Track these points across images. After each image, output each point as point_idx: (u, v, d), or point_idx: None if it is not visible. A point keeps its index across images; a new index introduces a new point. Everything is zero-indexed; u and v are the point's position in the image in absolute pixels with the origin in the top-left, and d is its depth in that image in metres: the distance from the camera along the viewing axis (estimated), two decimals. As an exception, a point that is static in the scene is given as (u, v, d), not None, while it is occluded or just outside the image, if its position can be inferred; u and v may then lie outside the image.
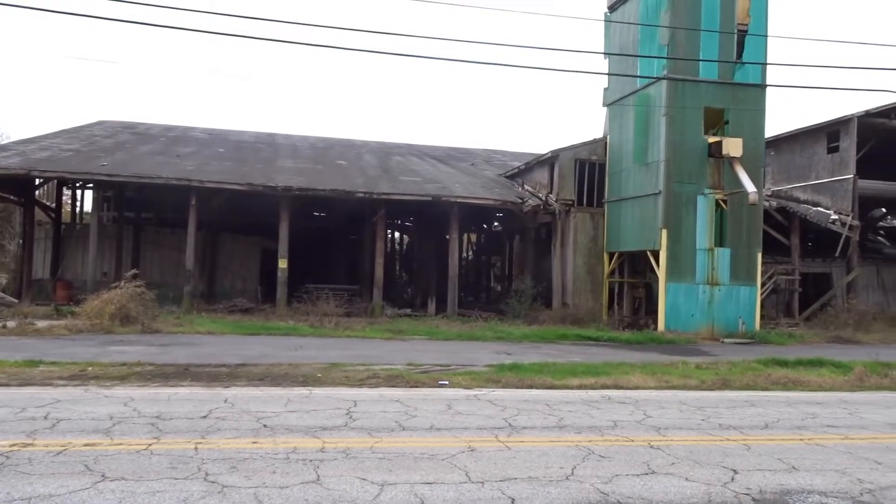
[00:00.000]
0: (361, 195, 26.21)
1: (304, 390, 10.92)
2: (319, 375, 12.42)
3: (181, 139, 34.78)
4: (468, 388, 11.73)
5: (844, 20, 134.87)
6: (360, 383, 11.96)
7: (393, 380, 12.35)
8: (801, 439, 8.48)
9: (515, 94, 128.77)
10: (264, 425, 8.19)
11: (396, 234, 49.09)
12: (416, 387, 11.82)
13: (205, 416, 8.58)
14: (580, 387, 12.28)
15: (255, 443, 7.33)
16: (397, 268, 47.50)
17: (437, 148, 40.86)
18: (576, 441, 7.93)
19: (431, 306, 29.43)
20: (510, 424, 8.77)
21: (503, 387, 12.11)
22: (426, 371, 13.95)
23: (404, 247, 49.20)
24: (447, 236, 28.96)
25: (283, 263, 25.76)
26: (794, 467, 7.13)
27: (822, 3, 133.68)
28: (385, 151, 36.81)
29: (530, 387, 12.19)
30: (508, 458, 7.08)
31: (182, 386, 10.98)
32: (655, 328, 24.14)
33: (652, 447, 7.78)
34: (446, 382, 12.35)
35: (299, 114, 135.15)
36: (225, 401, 9.71)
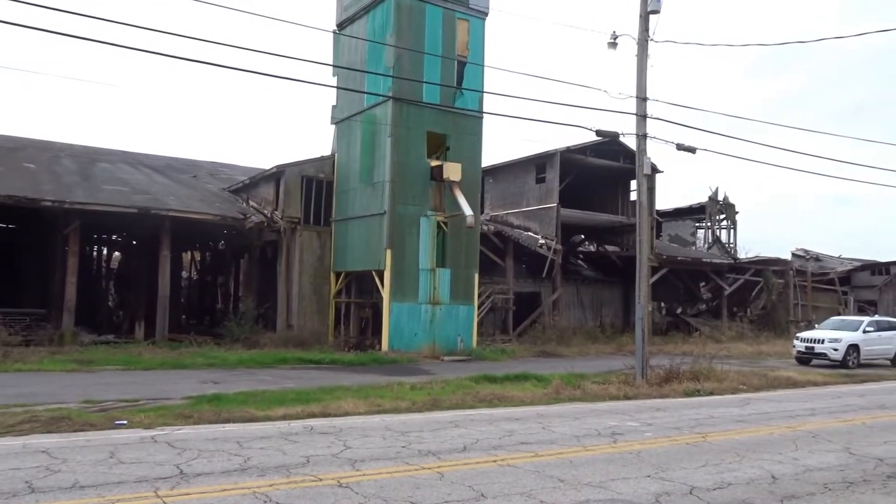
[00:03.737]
0: (49, 204, 22.45)
1: None
2: (-54, 425, 9.79)
3: None
4: (149, 428, 10.03)
5: (554, 60, 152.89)
6: (7, 430, 9.64)
7: (55, 423, 10.17)
8: (494, 461, 8.32)
9: (251, 107, 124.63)
10: None
11: (114, 253, 43.71)
12: (83, 430, 9.83)
13: None
14: (284, 417, 11.22)
15: None
16: (109, 289, 42.24)
17: (157, 157, 37.12)
18: (254, 487, 6.84)
19: (139, 331, 26.24)
20: (182, 472, 7.40)
21: (195, 423, 10.61)
22: (105, 409, 11.85)
23: (118, 266, 43.93)
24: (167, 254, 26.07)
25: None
26: (482, 494, 6.80)
27: (536, 44, 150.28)
28: (90, 157, 32.43)
29: (227, 421, 10.84)
30: (159, 519, 5.77)
31: None
32: (380, 348, 23.97)
33: (340, 486, 6.98)
34: (125, 422, 10.49)
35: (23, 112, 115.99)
36: None
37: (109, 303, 39.78)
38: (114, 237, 38.32)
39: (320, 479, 7.19)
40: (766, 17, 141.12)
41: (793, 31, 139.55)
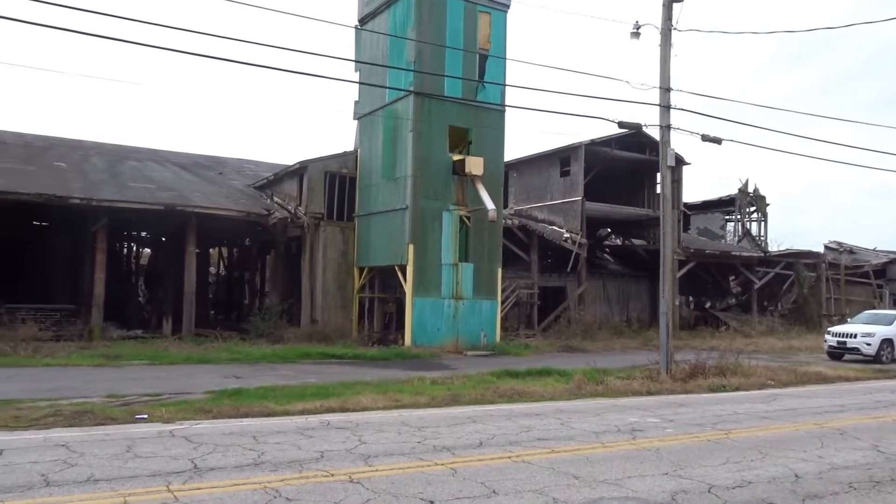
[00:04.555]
0: (78, 201, 22.79)
1: (-66, 440, 8.56)
2: (-28, 418, 9.97)
3: None
4: (168, 423, 10.12)
5: (578, 51, 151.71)
6: (30, 424, 9.80)
7: (78, 417, 10.32)
8: (509, 457, 8.22)
9: (276, 103, 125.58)
10: None
11: (144, 250, 44.40)
12: (104, 424, 9.95)
13: None
14: (302, 412, 11.24)
15: None
16: (139, 285, 42.89)
17: (184, 154, 37.59)
18: (265, 482, 6.84)
19: (167, 326, 26.60)
20: (196, 466, 7.43)
21: (214, 417, 10.69)
22: (128, 403, 11.99)
23: (148, 262, 44.59)
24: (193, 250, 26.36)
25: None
26: (494, 491, 6.72)
27: (558, 36, 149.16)
28: (119, 155, 32.93)
29: (246, 415, 10.91)
30: (167, 514, 5.79)
31: None
32: (404, 343, 23.98)
33: (352, 481, 6.95)
34: (145, 416, 10.60)
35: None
36: None
37: (139, 298, 40.39)
38: (143, 234, 38.86)
39: (332, 475, 7.17)
40: (795, 6, 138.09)
41: (822, 19, 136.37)
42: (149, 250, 43.54)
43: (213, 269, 45.81)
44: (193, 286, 25.56)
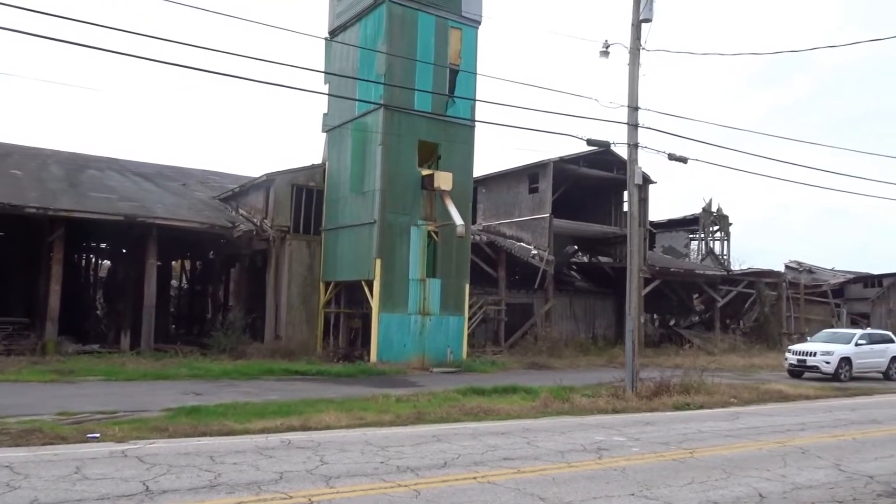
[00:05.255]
0: (33, 210, 22.14)
1: None
2: None
3: None
4: (121, 442, 9.73)
5: (548, 69, 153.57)
6: (-26, 444, 9.32)
7: (25, 436, 9.87)
8: (475, 478, 8.05)
9: (243, 115, 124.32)
10: None
11: (104, 262, 43.34)
12: (53, 444, 9.53)
13: None
14: (263, 430, 10.93)
15: None
16: (98, 298, 41.79)
17: (146, 164, 36.82)
18: (220, 505, 6.57)
19: (125, 341, 25.84)
20: (148, 489, 7.12)
21: (170, 436, 10.32)
22: (80, 421, 11.54)
23: (107, 274, 43.51)
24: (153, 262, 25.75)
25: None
26: (458, 514, 6.54)
27: (529, 52, 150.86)
28: (78, 164, 32.12)
29: (204, 434, 10.56)
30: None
31: None
32: (369, 359, 23.67)
33: (311, 504, 6.71)
34: (97, 435, 10.20)
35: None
36: None
37: (98, 312, 39.35)
38: (102, 245, 37.97)
39: (290, 497, 6.92)
40: (766, 28, 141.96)
41: (794, 41, 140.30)
42: (108, 262, 42.54)
43: (175, 283, 44.91)
44: (153, 299, 24.95)
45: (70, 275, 30.09)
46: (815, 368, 24.45)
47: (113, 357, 22.18)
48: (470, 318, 27.34)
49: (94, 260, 41.93)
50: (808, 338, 28.63)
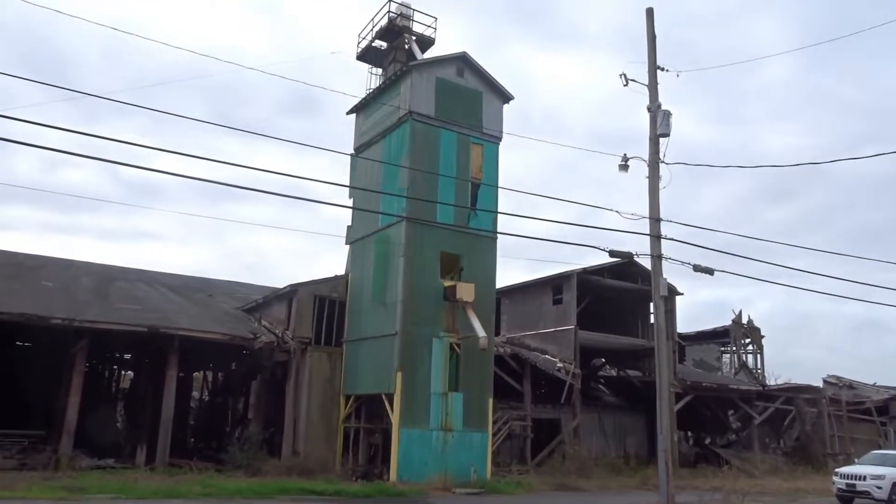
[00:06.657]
0: (59, 322, 22.30)
1: None
2: None
3: None
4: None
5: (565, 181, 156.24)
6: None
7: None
8: None
9: (270, 227, 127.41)
10: None
11: (128, 372, 43.22)
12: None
13: None
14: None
15: None
16: (119, 409, 41.32)
17: (175, 276, 37.43)
18: None
19: (141, 455, 25.19)
20: None
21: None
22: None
23: (129, 386, 43.24)
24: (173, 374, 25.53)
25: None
26: None
27: (549, 163, 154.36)
28: (108, 276, 32.71)
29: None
30: None
31: None
32: (389, 478, 22.67)
33: None
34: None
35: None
36: None
37: (117, 423, 38.80)
38: (126, 356, 37.97)
39: None
40: (787, 139, 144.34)
41: (820, 146, 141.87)
42: (132, 373, 42.38)
43: (196, 394, 44.42)
44: (171, 412, 24.53)
45: (92, 386, 30.01)
46: (866, 494, 22.77)
47: (126, 473, 21.53)
48: (494, 435, 26.32)
49: (117, 371, 41.85)
50: (856, 459, 26.93)
